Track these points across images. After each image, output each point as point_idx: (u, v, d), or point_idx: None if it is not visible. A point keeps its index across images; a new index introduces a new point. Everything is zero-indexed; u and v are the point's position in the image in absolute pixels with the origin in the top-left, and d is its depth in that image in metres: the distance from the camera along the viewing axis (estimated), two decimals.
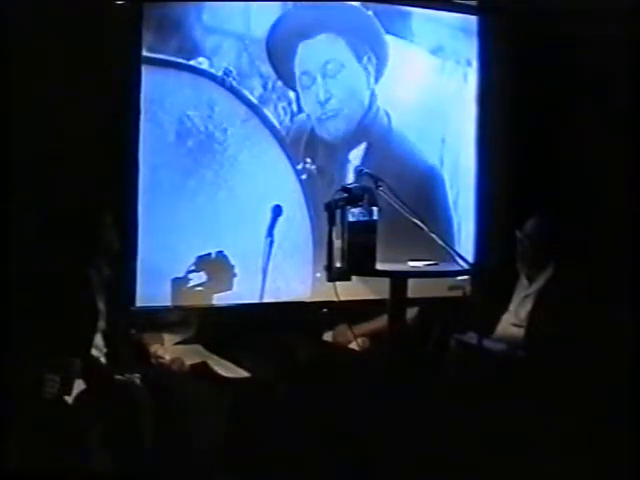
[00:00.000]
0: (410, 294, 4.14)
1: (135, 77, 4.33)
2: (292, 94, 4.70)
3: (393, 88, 4.93)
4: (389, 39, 4.89)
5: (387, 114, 4.92)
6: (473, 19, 5.06)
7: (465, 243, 4.95)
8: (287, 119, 4.69)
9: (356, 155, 4.82)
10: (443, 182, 5.07)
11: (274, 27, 4.62)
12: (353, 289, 4.23)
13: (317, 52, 4.75)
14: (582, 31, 4.81)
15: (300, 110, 4.71)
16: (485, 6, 5.05)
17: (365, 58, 4.85)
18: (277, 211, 4.58)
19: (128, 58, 4.32)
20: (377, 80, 4.88)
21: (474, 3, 5.07)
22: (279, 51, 4.65)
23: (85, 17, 4.23)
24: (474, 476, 4.01)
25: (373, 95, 4.89)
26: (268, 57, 4.62)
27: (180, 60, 4.43)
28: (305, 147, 4.74)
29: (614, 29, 4.62)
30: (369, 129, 4.88)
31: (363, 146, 4.85)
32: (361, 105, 4.86)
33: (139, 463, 3.80)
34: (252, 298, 4.56)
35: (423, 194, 4.96)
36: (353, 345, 4.60)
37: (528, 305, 4.48)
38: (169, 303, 4.44)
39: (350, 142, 4.82)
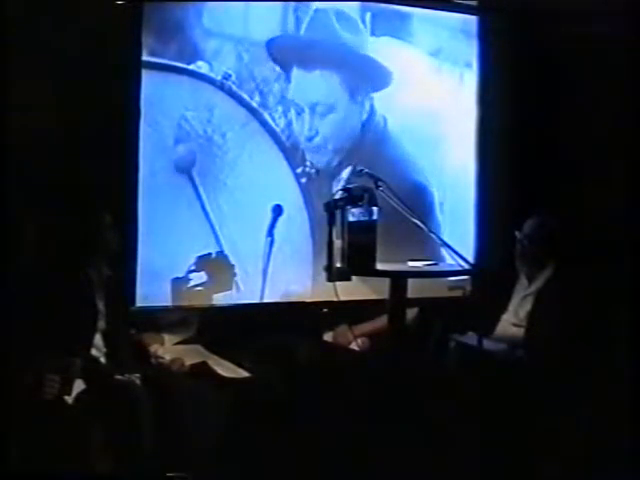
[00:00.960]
0: (410, 294, 4.15)
1: (135, 78, 4.33)
2: (292, 97, 4.70)
3: (391, 93, 4.93)
4: (387, 42, 4.90)
5: (384, 118, 4.92)
6: (472, 20, 5.07)
7: (465, 243, 4.94)
8: (286, 123, 4.69)
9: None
10: (437, 184, 5.08)
11: (271, 42, 4.62)
12: (353, 289, 4.24)
13: (309, 88, 4.74)
14: (582, 31, 4.82)
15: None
16: (485, 6, 5.06)
17: (360, 97, 4.85)
18: (277, 211, 4.58)
19: (128, 60, 4.32)
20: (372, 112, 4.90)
21: (474, 3, 5.09)
22: (278, 60, 4.66)
23: (85, 18, 4.25)
24: (474, 476, 4.02)
25: (367, 122, 4.89)
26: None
27: (179, 64, 4.43)
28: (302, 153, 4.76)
29: (614, 29, 4.62)
30: (359, 150, 4.85)
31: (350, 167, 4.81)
32: (350, 136, 4.85)
33: (139, 463, 3.79)
34: (252, 298, 4.56)
35: (418, 196, 4.96)
36: (353, 345, 4.61)
37: (528, 305, 4.49)
38: (169, 303, 4.44)
39: (338, 168, 4.80)
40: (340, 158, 4.80)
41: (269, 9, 4.64)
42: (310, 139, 4.75)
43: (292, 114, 4.70)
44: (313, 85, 4.75)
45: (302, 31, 4.71)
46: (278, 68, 4.64)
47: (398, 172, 4.91)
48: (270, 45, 4.63)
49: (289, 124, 4.69)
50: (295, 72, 4.70)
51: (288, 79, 4.69)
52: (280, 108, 4.66)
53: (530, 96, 5.00)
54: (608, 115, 4.81)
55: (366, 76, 4.88)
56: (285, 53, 4.67)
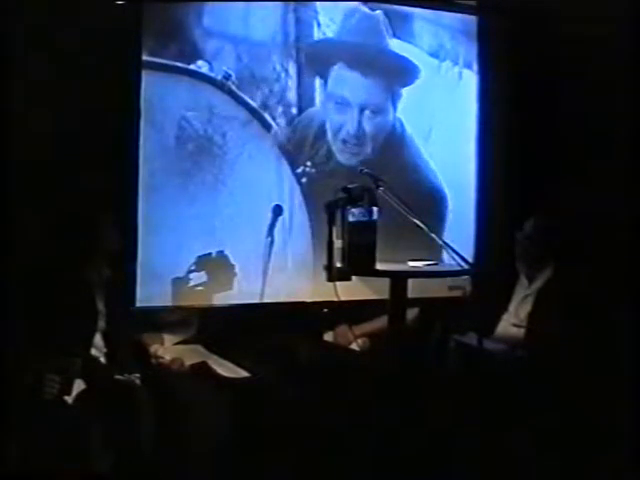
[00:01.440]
0: (410, 294, 4.14)
1: (135, 78, 4.33)
2: (292, 97, 4.70)
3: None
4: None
5: (401, 122, 4.95)
6: (472, 20, 5.06)
7: (465, 243, 4.94)
8: (287, 123, 4.69)
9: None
10: (443, 187, 5.08)
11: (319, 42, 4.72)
12: (353, 289, 4.23)
13: (363, 90, 4.80)
14: (581, 31, 4.83)
15: (300, 111, 4.72)
16: (485, 6, 5.06)
17: (393, 98, 4.91)
18: (277, 211, 4.58)
19: (128, 59, 4.32)
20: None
21: (474, 3, 5.08)
22: (318, 55, 4.73)
23: (85, 18, 4.25)
24: (474, 476, 4.02)
25: (394, 125, 4.93)
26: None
27: (180, 64, 4.42)
28: (309, 149, 4.76)
29: (614, 29, 4.62)
30: (386, 149, 4.90)
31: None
32: (381, 140, 4.89)
33: (139, 463, 3.79)
34: (252, 298, 4.55)
35: (426, 197, 4.98)
36: (353, 345, 4.61)
37: (528, 305, 4.48)
38: (169, 303, 4.44)
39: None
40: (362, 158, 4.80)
41: (269, 9, 4.64)
42: (351, 138, 4.79)
43: (335, 101, 4.77)
44: (363, 87, 4.81)
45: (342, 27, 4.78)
46: (283, 68, 4.66)
47: (405, 173, 4.93)
48: (313, 47, 4.71)
49: (289, 124, 4.69)
50: (338, 69, 4.76)
51: (328, 75, 4.75)
52: (280, 108, 4.66)
53: (530, 96, 5.00)
54: (608, 115, 4.81)
55: (398, 75, 4.93)
56: (330, 51, 4.75)
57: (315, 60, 4.72)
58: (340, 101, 4.78)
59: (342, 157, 4.80)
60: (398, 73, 4.91)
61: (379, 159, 4.80)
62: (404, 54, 4.92)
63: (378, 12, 4.82)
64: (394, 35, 4.89)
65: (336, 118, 4.78)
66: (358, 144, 4.81)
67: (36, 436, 3.65)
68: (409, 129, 4.96)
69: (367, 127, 4.83)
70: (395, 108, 4.91)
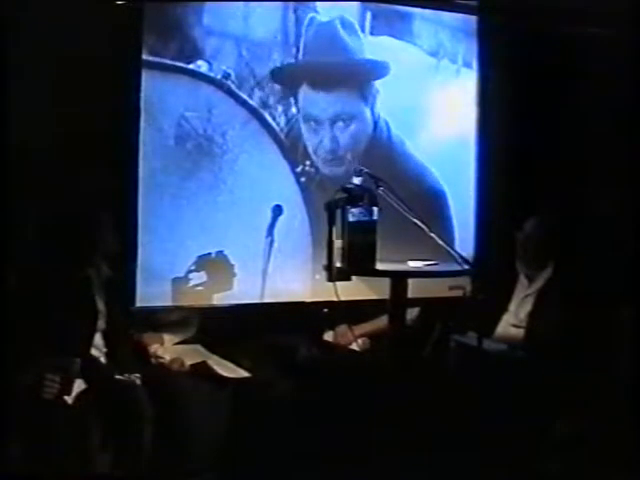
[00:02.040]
0: (410, 294, 4.15)
1: (135, 78, 4.33)
2: (291, 98, 4.70)
3: (390, 93, 4.94)
4: (387, 42, 4.90)
5: (386, 122, 4.93)
6: (472, 20, 5.06)
7: (465, 243, 4.95)
8: (286, 122, 4.69)
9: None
10: (442, 185, 5.07)
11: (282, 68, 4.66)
12: (353, 289, 4.23)
13: (330, 105, 4.78)
14: (582, 31, 4.83)
15: (299, 110, 4.73)
16: (485, 6, 5.05)
17: (370, 103, 4.89)
18: (277, 211, 4.58)
19: (128, 59, 4.32)
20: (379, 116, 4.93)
21: (474, 3, 5.08)
22: (285, 79, 4.69)
23: (85, 18, 4.25)
24: (474, 476, 4.01)
25: (375, 128, 4.91)
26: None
27: (179, 64, 4.42)
28: (304, 152, 4.76)
29: (614, 29, 4.62)
30: (371, 153, 4.88)
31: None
32: (365, 144, 4.88)
33: (139, 464, 3.79)
34: (252, 298, 4.55)
35: (424, 197, 4.96)
36: (353, 345, 4.61)
37: (528, 305, 4.48)
38: (169, 303, 4.44)
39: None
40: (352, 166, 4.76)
41: (269, 8, 4.63)
42: (329, 151, 4.78)
43: (309, 124, 4.75)
44: (335, 103, 4.78)
45: (302, 44, 4.72)
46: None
47: (403, 174, 4.92)
48: (278, 71, 4.66)
49: (288, 123, 4.69)
50: (303, 91, 4.73)
51: (297, 98, 4.72)
52: (280, 107, 4.66)
53: (530, 96, 5.01)
54: (608, 115, 4.81)
55: (371, 79, 4.89)
56: (293, 75, 4.71)
57: (281, 86, 4.70)
58: (313, 121, 4.75)
59: (327, 171, 4.78)
60: (365, 75, 4.88)
61: (367, 164, 4.73)
62: (404, 54, 4.93)
63: (336, 16, 4.79)
64: (391, 34, 4.90)
65: (312, 138, 4.76)
66: (337, 157, 4.79)
67: (36, 436, 3.65)
68: (398, 129, 4.94)
69: (342, 139, 4.80)
70: (373, 110, 4.88)
